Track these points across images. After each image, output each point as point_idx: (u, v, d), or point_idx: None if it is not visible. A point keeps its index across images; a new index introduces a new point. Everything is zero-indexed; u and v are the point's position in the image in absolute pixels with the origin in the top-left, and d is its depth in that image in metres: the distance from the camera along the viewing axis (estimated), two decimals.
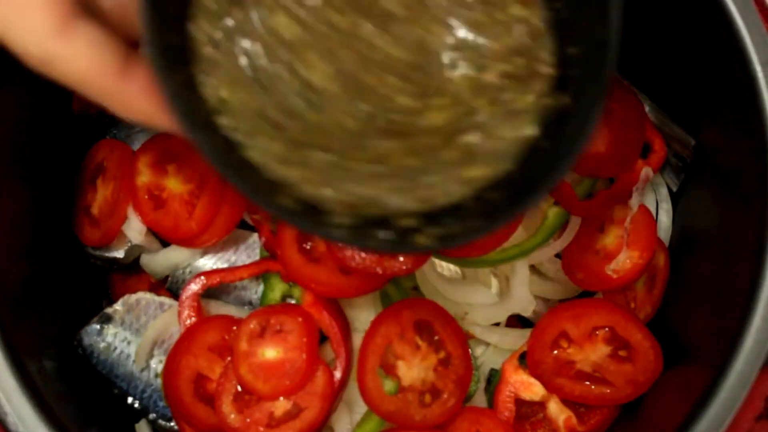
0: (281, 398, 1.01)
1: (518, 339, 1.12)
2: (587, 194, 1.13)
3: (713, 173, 1.12)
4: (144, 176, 1.10)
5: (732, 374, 0.93)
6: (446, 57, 0.69)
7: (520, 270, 1.12)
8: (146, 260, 1.18)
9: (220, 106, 0.64)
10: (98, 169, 1.17)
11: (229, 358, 1.03)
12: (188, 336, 1.05)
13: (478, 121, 0.68)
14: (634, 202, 1.12)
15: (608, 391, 1.07)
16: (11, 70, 1.00)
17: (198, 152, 0.59)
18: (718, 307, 1.03)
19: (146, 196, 1.10)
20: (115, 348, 1.11)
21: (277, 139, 0.64)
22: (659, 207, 1.22)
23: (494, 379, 1.12)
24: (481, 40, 0.69)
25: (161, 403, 1.10)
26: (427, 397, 1.02)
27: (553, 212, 1.11)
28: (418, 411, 1.01)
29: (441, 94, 0.68)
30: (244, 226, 1.16)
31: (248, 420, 1.00)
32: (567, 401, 1.10)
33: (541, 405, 1.10)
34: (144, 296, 1.13)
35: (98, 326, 1.12)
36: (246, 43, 0.65)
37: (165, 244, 1.17)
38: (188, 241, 1.11)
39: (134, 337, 1.11)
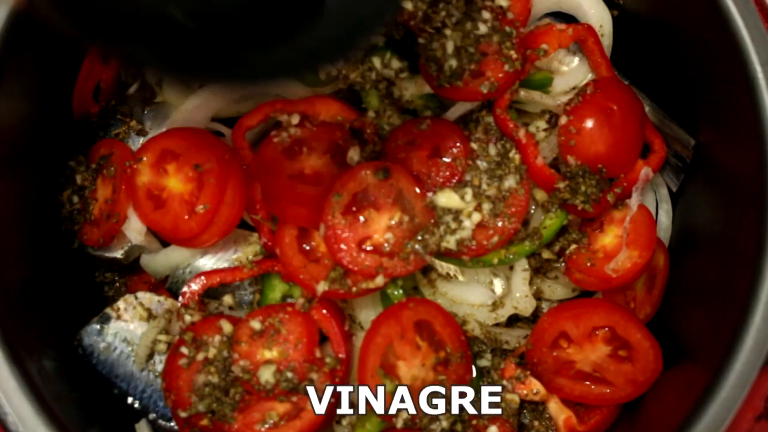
0: (281, 398, 1.01)
1: (518, 339, 1.12)
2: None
3: (713, 173, 1.12)
4: (144, 176, 1.10)
5: (732, 374, 0.93)
6: None
7: (520, 270, 1.12)
8: (146, 260, 1.18)
9: None
10: (98, 169, 1.17)
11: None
12: None
13: None
14: (633, 202, 1.12)
15: (608, 390, 1.07)
16: (11, 74, 1.01)
17: None
18: (718, 307, 1.03)
19: (146, 196, 1.10)
20: (115, 348, 1.11)
21: None
22: (659, 207, 1.22)
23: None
24: None
25: (161, 403, 1.10)
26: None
27: (553, 214, 1.11)
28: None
29: None
30: (244, 226, 1.16)
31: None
32: (567, 401, 1.10)
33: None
34: (144, 296, 1.13)
35: (98, 326, 1.12)
36: None
37: (165, 244, 1.17)
38: (188, 241, 1.11)
39: (134, 337, 1.11)
